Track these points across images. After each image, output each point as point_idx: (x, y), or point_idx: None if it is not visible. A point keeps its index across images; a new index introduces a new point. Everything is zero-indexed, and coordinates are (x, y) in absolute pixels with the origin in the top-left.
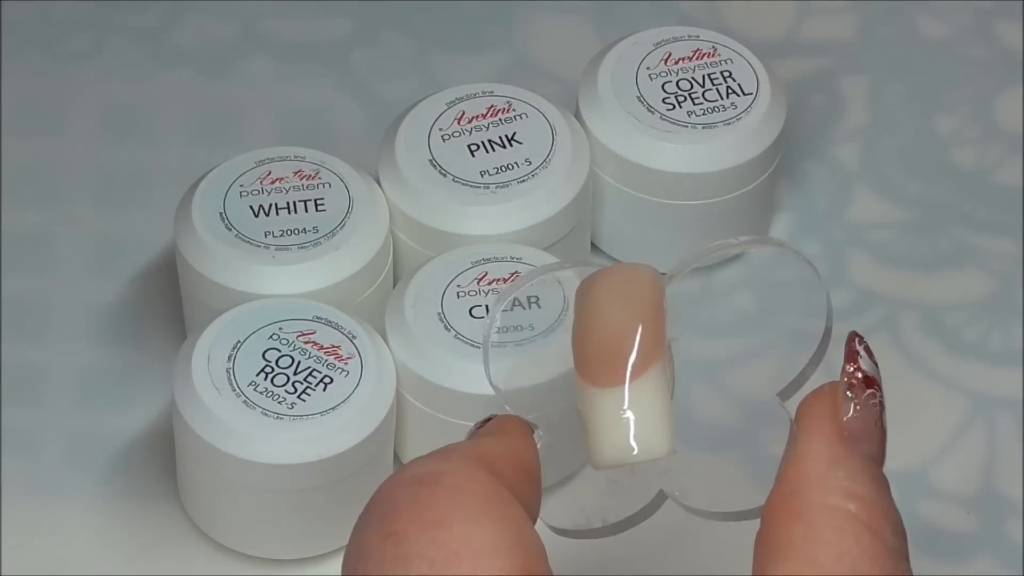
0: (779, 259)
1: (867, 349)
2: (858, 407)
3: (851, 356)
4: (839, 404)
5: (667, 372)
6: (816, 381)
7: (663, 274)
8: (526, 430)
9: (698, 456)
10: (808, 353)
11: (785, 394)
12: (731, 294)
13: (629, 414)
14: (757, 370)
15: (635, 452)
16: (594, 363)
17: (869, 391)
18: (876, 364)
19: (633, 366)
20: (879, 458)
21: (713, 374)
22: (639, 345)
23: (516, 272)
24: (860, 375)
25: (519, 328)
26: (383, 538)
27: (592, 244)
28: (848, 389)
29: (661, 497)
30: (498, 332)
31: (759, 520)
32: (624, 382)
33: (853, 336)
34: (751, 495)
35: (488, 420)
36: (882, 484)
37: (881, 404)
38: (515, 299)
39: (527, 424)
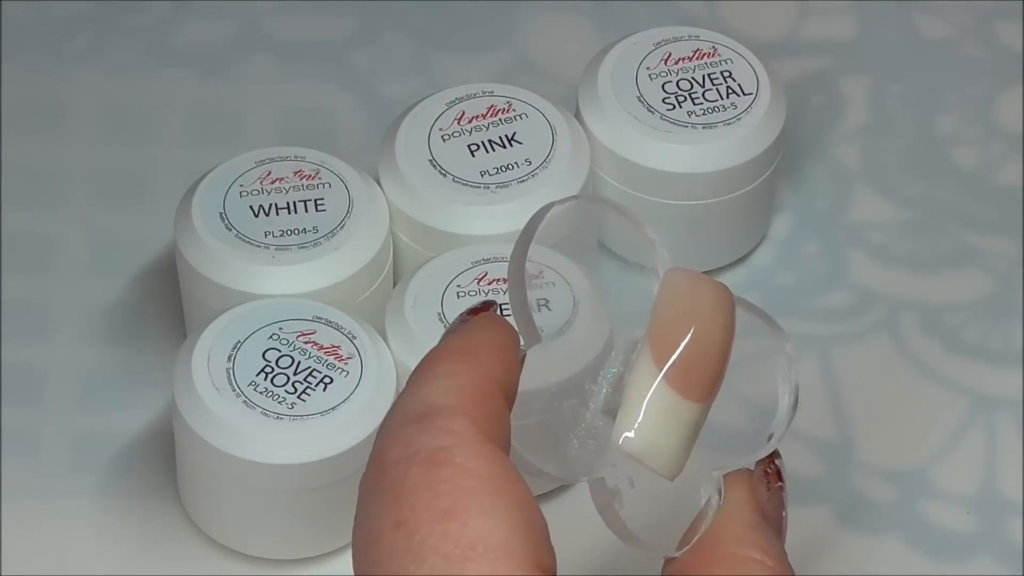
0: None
1: (777, 451)
2: (770, 491)
3: (771, 456)
4: (756, 486)
5: (707, 413)
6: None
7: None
8: (509, 339)
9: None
10: (756, 447)
11: (724, 469)
12: None
13: (677, 424)
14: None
15: (657, 462)
16: (683, 363)
17: (779, 484)
18: (782, 465)
19: (703, 387)
20: (782, 538)
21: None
22: (717, 374)
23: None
24: (774, 467)
25: None
26: (394, 527)
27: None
28: (766, 478)
29: (596, 481)
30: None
31: (661, 561)
32: (700, 400)
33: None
34: (664, 539)
35: (472, 313)
36: (787, 560)
37: (785, 497)
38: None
39: (511, 332)
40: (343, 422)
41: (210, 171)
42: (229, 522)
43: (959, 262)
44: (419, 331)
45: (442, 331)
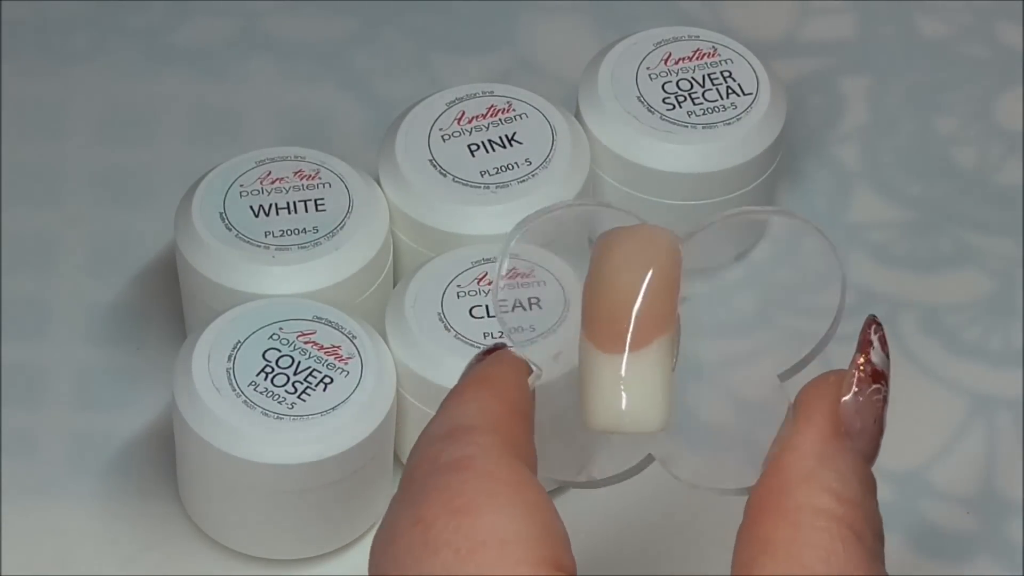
0: (790, 243)
1: (882, 339)
2: (860, 401)
3: (864, 345)
4: (842, 396)
5: (673, 344)
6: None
7: (679, 237)
8: (522, 372)
9: (691, 431)
10: (817, 335)
11: (786, 375)
12: (735, 290)
13: (623, 384)
14: (762, 355)
15: (628, 423)
16: (600, 326)
17: (875, 385)
18: (888, 356)
19: (637, 335)
20: (872, 456)
21: (715, 365)
22: (647, 315)
23: (515, 270)
24: (870, 367)
25: (520, 329)
26: (412, 523)
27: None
28: (855, 383)
29: (649, 459)
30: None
31: (744, 503)
32: (635, 348)
33: (870, 322)
34: (740, 473)
35: (487, 353)
36: (869, 486)
37: (884, 400)
38: (516, 300)
39: (523, 365)
40: (343, 422)
41: (210, 171)
42: (229, 522)
43: (959, 262)
44: (419, 331)
45: (442, 331)
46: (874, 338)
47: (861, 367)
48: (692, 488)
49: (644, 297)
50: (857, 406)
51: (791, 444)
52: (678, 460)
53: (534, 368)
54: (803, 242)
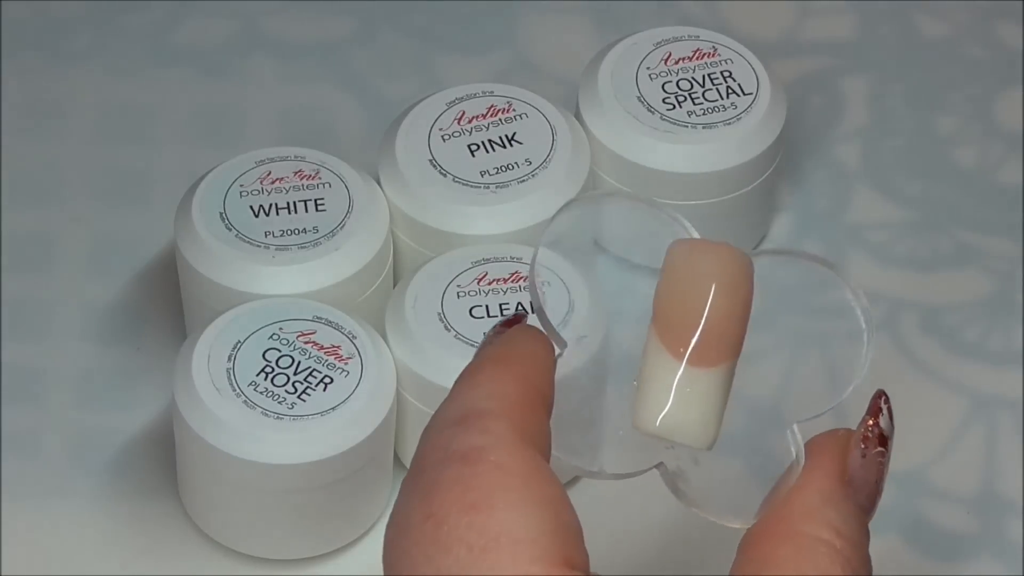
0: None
1: (889, 410)
2: (866, 458)
3: (874, 411)
4: (850, 450)
5: (733, 371)
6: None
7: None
8: (545, 348)
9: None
10: (834, 396)
11: (803, 423)
12: None
13: (688, 395)
14: (784, 401)
15: (681, 433)
16: (679, 332)
17: (880, 448)
18: (893, 426)
19: (712, 352)
20: (869, 511)
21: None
22: (725, 335)
23: (516, 272)
24: (877, 430)
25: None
26: (424, 519)
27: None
28: (862, 440)
29: (659, 467)
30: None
31: (742, 531)
32: (711, 364)
33: (880, 393)
34: (740, 509)
35: (507, 325)
36: (866, 535)
37: (885, 465)
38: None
39: (547, 342)
40: (343, 422)
41: (210, 171)
42: (229, 522)
43: (959, 262)
44: (419, 331)
45: (442, 331)
46: (884, 407)
47: (870, 428)
48: (689, 509)
49: (728, 316)
50: (862, 462)
51: (799, 484)
52: (688, 479)
53: (558, 347)
54: (832, 294)
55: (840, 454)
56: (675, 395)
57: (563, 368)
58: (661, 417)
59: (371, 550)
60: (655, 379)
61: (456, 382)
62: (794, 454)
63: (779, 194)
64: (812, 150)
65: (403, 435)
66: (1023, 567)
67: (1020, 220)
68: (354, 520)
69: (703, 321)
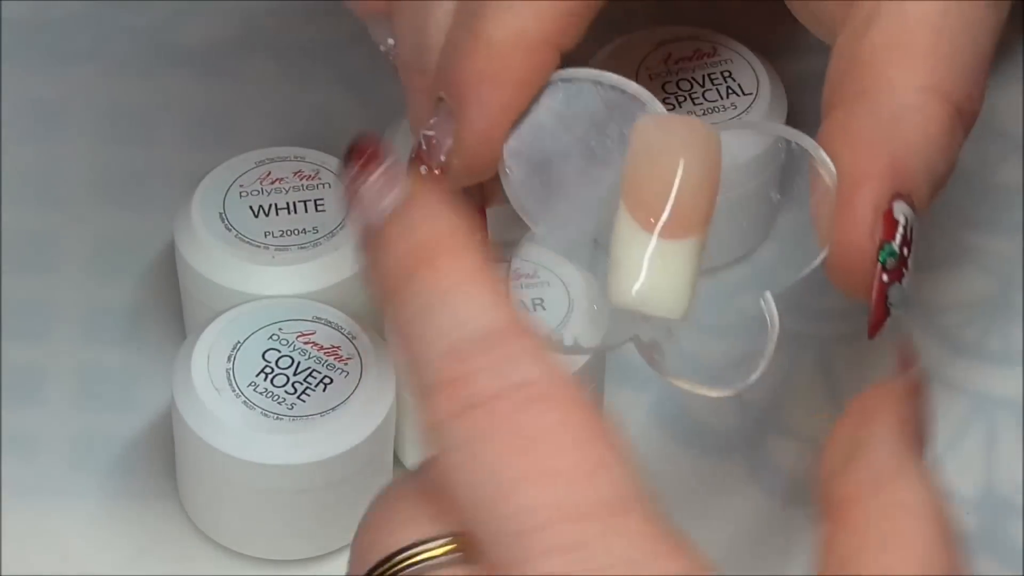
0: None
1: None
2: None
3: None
4: (918, 405)
5: (704, 244)
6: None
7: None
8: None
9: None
10: (807, 261)
11: (775, 291)
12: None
13: (659, 265)
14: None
15: (652, 304)
16: (647, 202)
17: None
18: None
19: (680, 223)
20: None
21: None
22: (692, 205)
23: (515, 272)
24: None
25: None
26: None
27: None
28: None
29: (635, 340)
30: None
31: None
32: (681, 236)
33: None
34: (719, 376)
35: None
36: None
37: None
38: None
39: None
40: (343, 422)
41: (210, 171)
42: (229, 522)
43: (959, 262)
44: None
45: None
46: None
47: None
48: (665, 380)
49: (698, 188)
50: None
51: (872, 444)
52: (663, 351)
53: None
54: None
55: (909, 408)
56: (647, 267)
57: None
58: (635, 289)
59: None
60: (627, 252)
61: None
62: (768, 321)
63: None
64: None
65: (403, 435)
66: (1023, 567)
67: (1020, 220)
68: (354, 521)
69: (673, 193)
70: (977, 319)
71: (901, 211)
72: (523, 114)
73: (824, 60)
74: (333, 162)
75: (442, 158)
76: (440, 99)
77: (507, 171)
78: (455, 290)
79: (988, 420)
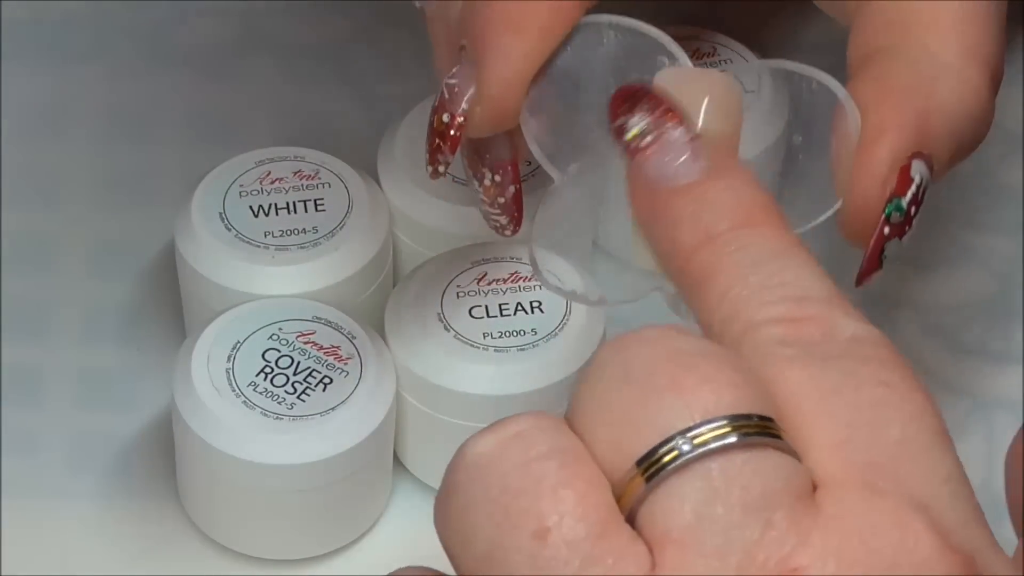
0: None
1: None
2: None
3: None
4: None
5: None
6: None
7: None
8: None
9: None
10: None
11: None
12: None
13: None
14: None
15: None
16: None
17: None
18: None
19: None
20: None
21: None
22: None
23: (515, 272)
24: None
25: (521, 333)
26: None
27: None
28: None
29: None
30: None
31: None
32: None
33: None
34: None
35: None
36: None
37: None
38: (517, 302)
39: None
40: (343, 422)
41: (210, 171)
42: (229, 522)
43: (959, 262)
44: (419, 331)
45: (442, 331)
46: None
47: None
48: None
49: (716, 138)
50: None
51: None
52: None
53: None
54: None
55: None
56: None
57: (559, 201)
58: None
59: (371, 550)
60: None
61: None
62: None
63: (780, 193)
64: None
65: (403, 435)
66: (1023, 567)
67: (1020, 220)
68: (354, 521)
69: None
70: (977, 319)
71: (918, 170)
72: (546, 62)
73: (824, 60)
74: (333, 162)
75: (464, 106)
76: (462, 47)
77: (528, 120)
78: (797, 249)
79: (988, 420)
